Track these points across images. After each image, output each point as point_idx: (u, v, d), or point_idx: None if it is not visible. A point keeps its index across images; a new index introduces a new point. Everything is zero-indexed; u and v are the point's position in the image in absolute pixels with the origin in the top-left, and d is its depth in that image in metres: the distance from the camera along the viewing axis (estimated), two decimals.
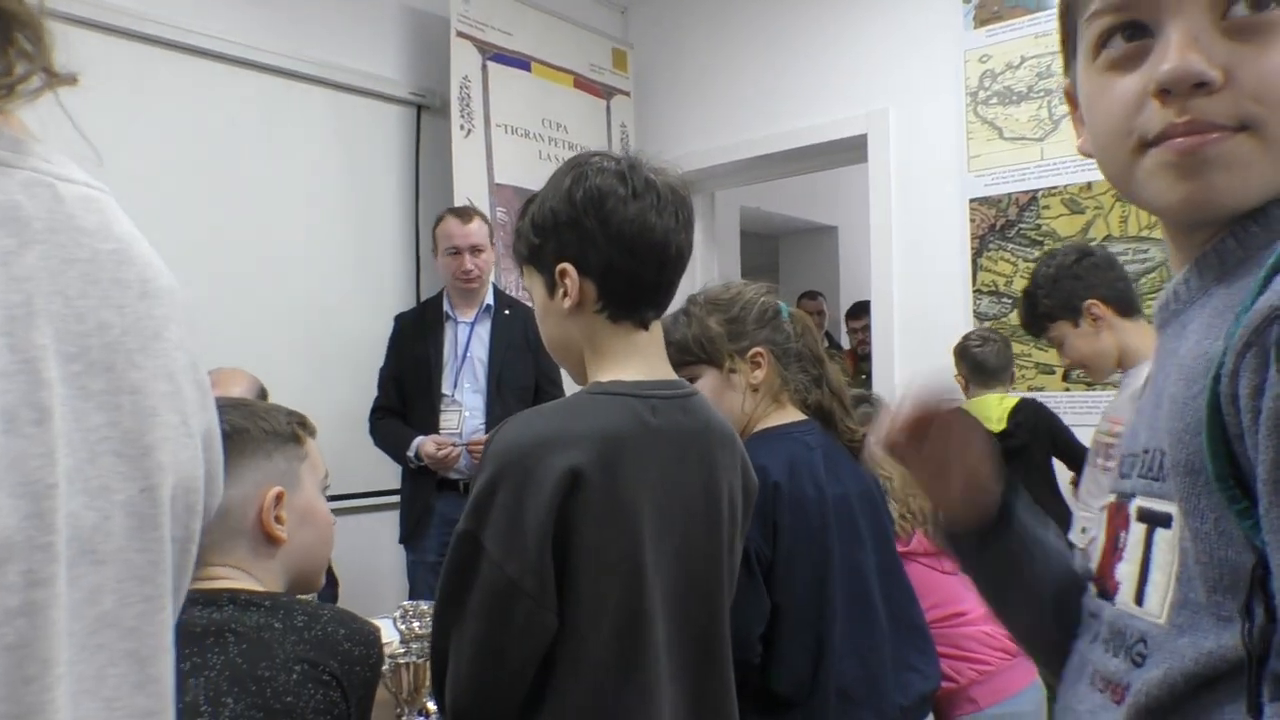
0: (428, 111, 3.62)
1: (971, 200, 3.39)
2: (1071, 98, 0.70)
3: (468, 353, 3.04)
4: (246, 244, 3.09)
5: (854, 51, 3.66)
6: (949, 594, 1.74)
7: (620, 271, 1.13)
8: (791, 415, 1.53)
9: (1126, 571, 0.63)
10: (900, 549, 1.65)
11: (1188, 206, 0.59)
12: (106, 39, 2.77)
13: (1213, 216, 0.60)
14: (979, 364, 2.97)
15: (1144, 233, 3.04)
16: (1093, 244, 3.05)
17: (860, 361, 4.94)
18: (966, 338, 3.07)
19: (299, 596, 1.16)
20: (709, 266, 4.48)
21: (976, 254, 3.39)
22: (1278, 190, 0.57)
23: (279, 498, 1.15)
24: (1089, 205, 3.14)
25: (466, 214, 3.04)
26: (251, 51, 3.11)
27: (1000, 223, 3.33)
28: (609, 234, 1.11)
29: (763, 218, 5.65)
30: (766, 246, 6.41)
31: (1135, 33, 0.59)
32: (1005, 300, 3.28)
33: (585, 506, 1.04)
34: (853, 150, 3.74)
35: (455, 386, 3.03)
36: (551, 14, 3.84)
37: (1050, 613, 0.75)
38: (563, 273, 1.14)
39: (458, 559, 1.05)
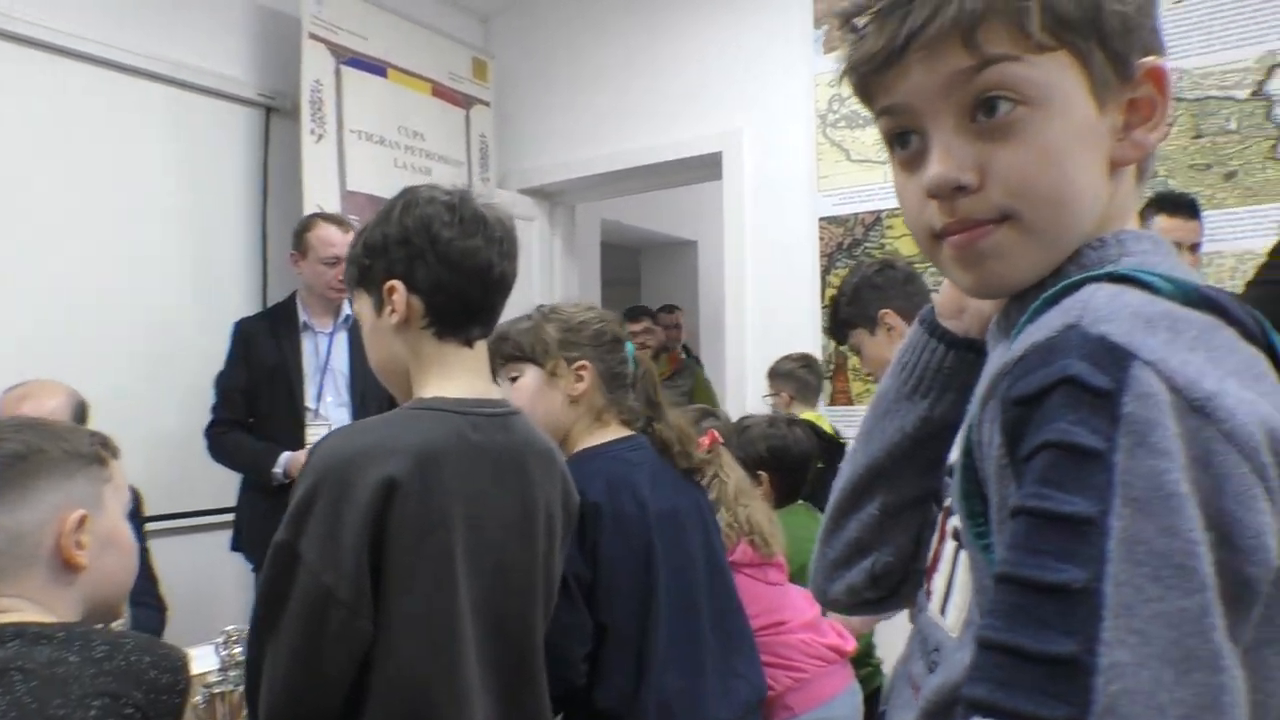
0: (277, 114, 3.51)
1: (821, 219, 3.50)
2: None
3: (329, 364, 2.90)
4: (74, 248, 2.91)
5: (711, 71, 3.74)
6: (770, 604, 1.79)
7: (447, 289, 1.18)
8: (614, 433, 1.54)
9: (938, 583, 0.68)
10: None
11: (978, 290, 0.65)
12: None
13: (1001, 295, 0.65)
14: (805, 383, 3.29)
15: None
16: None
17: None
18: (789, 359, 3.33)
19: (98, 626, 1.09)
20: (569, 278, 4.49)
21: (825, 271, 3.50)
22: (1050, 266, 0.62)
23: (81, 521, 1.08)
24: None
25: (343, 222, 2.92)
26: (82, 42, 2.94)
27: (848, 241, 3.45)
28: (437, 253, 1.17)
29: (624, 231, 5.70)
30: (628, 259, 6.45)
31: (912, 136, 0.63)
32: None
33: (401, 517, 1.07)
34: (709, 167, 3.81)
35: (318, 400, 2.88)
36: (410, 20, 3.77)
37: (914, 450, 0.77)
38: (391, 289, 1.18)
39: (275, 569, 1.07)
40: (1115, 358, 0.48)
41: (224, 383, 2.91)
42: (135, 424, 2.99)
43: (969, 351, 0.75)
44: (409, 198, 1.21)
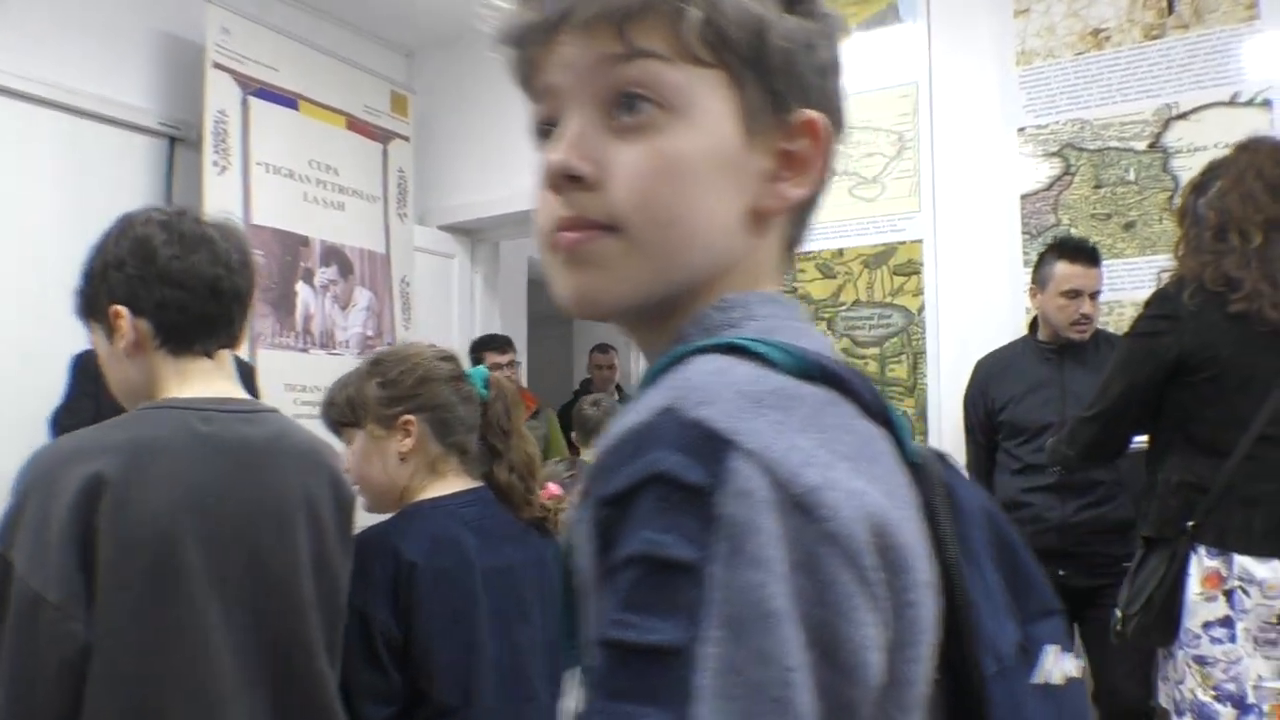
0: (183, 144, 3.42)
1: None
2: None
3: None
4: None
5: None
6: None
7: (172, 306, 1.15)
8: (452, 485, 1.47)
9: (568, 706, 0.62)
10: None
11: (574, 303, 0.56)
12: None
13: (599, 314, 0.57)
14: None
15: (887, 299, 3.19)
16: (843, 307, 3.21)
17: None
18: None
19: None
20: (490, 315, 4.43)
21: None
22: (653, 292, 0.55)
23: None
24: (840, 271, 3.28)
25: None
26: None
27: None
28: (156, 272, 1.15)
29: None
30: None
31: (555, 129, 0.57)
32: None
33: (112, 514, 1.03)
34: None
35: None
36: (324, 53, 3.71)
37: None
38: (116, 314, 1.16)
39: None
40: (713, 447, 0.42)
41: (65, 419, 2.77)
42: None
43: None
44: (125, 223, 1.18)
